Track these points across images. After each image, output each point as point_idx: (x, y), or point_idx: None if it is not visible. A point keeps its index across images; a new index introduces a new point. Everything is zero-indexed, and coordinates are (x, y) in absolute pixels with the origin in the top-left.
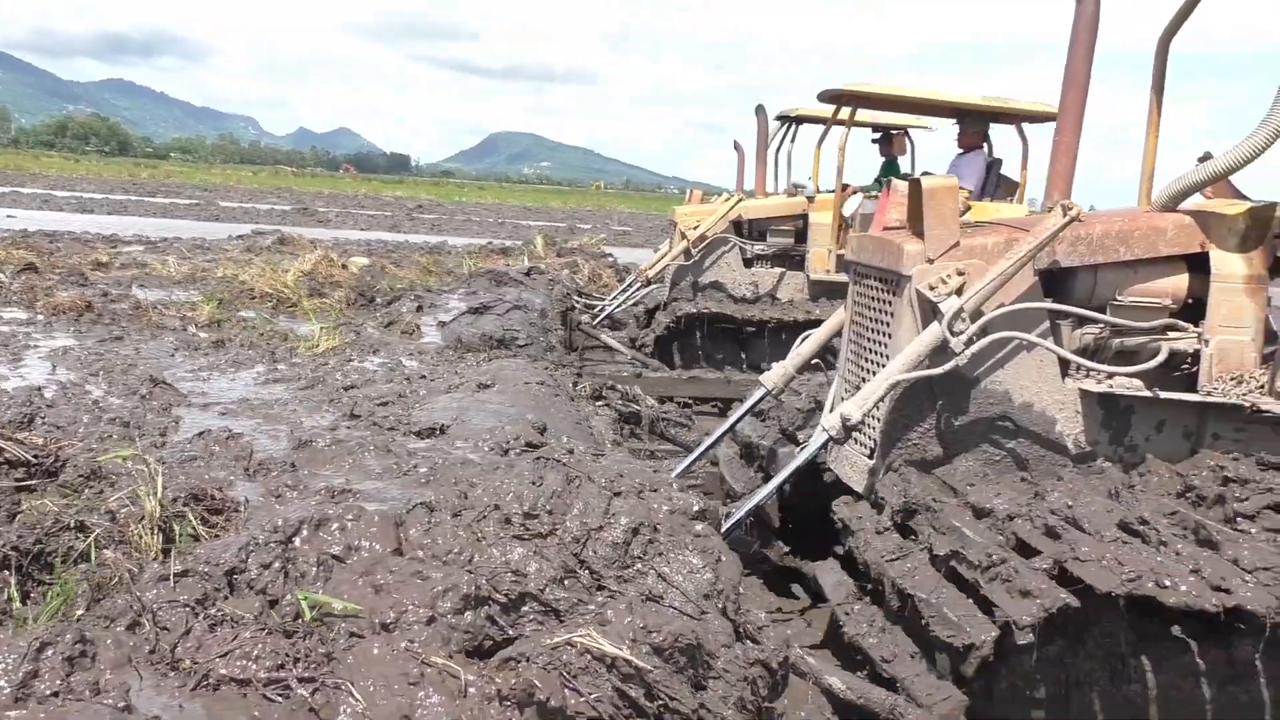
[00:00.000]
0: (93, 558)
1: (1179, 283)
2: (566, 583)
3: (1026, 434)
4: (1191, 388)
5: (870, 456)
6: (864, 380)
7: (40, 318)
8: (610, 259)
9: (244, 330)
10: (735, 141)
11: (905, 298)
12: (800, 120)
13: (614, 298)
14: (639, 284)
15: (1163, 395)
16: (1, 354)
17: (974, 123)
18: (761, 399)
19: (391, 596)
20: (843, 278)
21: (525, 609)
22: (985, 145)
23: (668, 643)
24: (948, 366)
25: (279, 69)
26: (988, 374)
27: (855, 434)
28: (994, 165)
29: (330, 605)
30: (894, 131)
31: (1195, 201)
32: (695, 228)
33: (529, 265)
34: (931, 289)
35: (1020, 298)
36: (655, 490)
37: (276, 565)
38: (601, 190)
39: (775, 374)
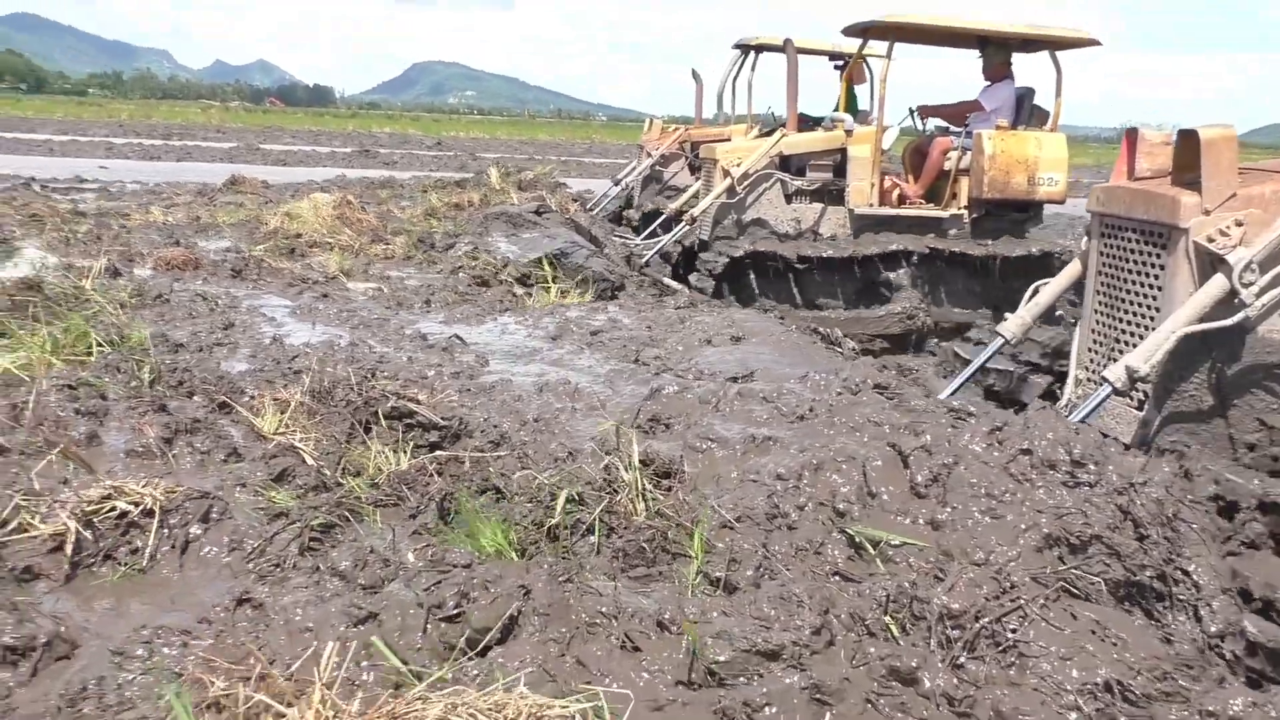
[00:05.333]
0: (597, 530)
1: None
2: (1119, 530)
3: None
4: None
5: (1139, 408)
6: (1121, 334)
7: (154, 271)
8: (570, 190)
9: (384, 281)
10: (694, 70)
11: (1180, 251)
12: (760, 49)
13: (649, 238)
14: (683, 224)
15: None
16: (227, 312)
17: (997, 52)
18: (999, 348)
19: (962, 534)
20: (885, 211)
21: (1091, 550)
22: (1011, 74)
23: None
24: (1238, 318)
25: None
26: (1267, 321)
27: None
28: (1027, 95)
29: (887, 539)
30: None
31: None
32: (738, 164)
33: (535, 204)
34: (1211, 241)
35: None
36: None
37: (809, 508)
38: (535, 120)
39: (1013, 324)
